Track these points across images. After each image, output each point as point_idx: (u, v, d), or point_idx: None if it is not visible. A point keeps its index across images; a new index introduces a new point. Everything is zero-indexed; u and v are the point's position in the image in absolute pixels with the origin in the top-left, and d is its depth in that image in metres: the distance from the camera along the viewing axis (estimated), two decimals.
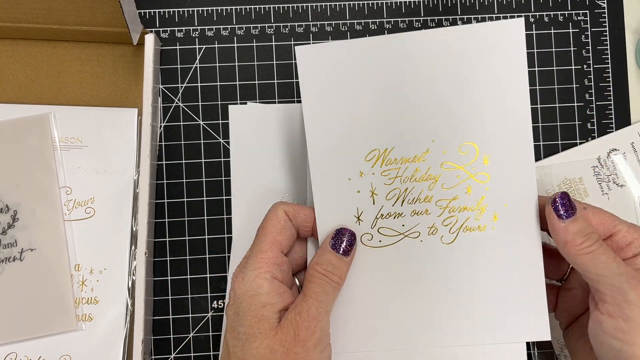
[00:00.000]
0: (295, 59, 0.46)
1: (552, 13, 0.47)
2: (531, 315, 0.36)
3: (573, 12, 0.47)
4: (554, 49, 0.47)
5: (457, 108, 0.35)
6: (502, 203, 0.36)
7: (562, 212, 0.33)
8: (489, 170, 0.36)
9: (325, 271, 0.34)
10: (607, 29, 0.47)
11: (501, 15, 0.47)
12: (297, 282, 0.38)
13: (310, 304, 0.33)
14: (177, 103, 0.45)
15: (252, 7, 0.46)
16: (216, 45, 0.46)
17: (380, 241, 0.37)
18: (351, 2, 0.46)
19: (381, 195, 0.36)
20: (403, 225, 0.36)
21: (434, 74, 0.35)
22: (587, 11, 0.47)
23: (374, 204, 0.36)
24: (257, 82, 0.46)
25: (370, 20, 0.46)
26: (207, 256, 0.45)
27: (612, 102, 0.47)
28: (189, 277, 0.44)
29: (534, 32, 0.47)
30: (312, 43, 0.46)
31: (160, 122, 0.45)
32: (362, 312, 0.37)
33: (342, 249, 0.35)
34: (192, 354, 0.44)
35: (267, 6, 0.46)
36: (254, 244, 0.35)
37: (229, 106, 0.45)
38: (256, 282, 0.33)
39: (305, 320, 0.32)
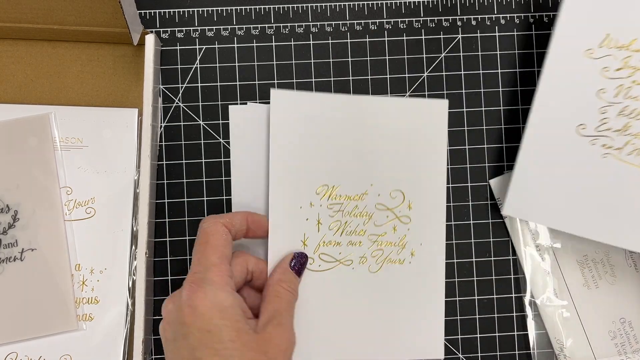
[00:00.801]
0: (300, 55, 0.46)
1: (551, 13, 0.47)
2: (430, 336, 0.43)
3: None
4: None
5: (393, 161, 0.43)
6: (419, 242, 0.43)
7: None
8: (411, 214, 0.43)
9: (290, 288, 0.39)
10: None
11: (500, 15, 0.47)
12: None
13: (285, 317, 0.36)
14: (177, 103, 0.45)
15: (252, 7, 0.46)
16: (216, 46, 0.46)
17: (319, 265, 0.42)
18: (351, 3, 0.47)
19: (325, 224, 0.42)
20: (340, 253, 0.43)
21: (379, 132, 0.43)
22: None
23: (318, 231, 0.42)
24: (257, 82, 0.46)
25: (370, 21, 0.46)
26: None
27: None
28: None
29: (533, 32, 0.47)
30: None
31: (161, 123, 0.45)
32: (308, 326, 0.42)
33: (298, 270, 0.40)
34: None
35: (267, 6, 0.46)
36: (201, 260, 0.35)
37: (229, 106, 0.45)
38: (220, 296, 0.33)
39: (286, 332, 0.36)
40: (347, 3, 0.47)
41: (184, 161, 0.45)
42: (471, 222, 0.46)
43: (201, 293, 0.33)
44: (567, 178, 0.38)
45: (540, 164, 0.39)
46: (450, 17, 0.47)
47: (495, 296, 0.45)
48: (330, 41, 0.46)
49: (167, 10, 0.46)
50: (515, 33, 0.47)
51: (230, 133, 0.45)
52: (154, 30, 0.45)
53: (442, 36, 0.47)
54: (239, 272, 0.38)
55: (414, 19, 0.47)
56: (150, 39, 0.43)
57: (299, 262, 0.41)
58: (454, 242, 0.45)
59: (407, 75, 0.46)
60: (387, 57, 0.46)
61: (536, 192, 0.40)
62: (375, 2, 0.47)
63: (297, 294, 0.40)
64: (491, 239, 0.46)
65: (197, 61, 0.46)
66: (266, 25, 0.46)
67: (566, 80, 0.37)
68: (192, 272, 0.35)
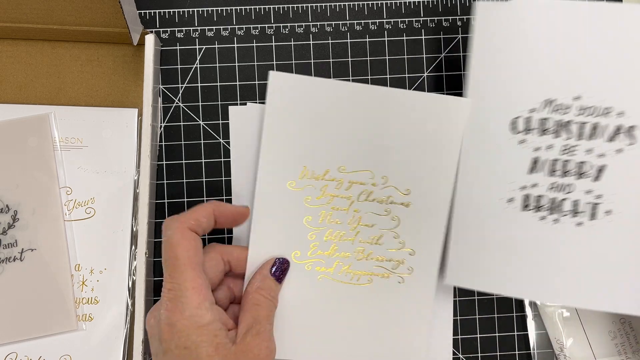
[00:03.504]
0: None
1: None
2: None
3: None
4: None
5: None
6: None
7: None
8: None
9: (270, 296, 0.38)
10: None
11: None
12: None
13: (264, 326, 0.36)
14: (177, 103, 0.45)
15: (252, 7, 0.46)
16: (216, 46, 0.46)
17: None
18: (351, 3, 0.47)
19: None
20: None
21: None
22: None
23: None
24: (257, 82, 0.46)
25: (370, 21, 0.46)
26: None
27: None
28: None
29: None
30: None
31: (161, 122, 0.45)
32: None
33: (279, 276, 0.39)
34: None
35: (267, 7, 0.46)
36: (174, 275, 0.34)
37: (229, 107, 0.45)
38: (198, 313, 0.33)
39: (265, 341, 0.35)
40: (347, 3, 0.47)
41: (184, 161, 0.45)
42: None
43: (178, 312, 0.33)
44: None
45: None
46: (450, 17, 0.47)
47: (495, 296, 0.45)
48: (330, 41, 0.46)
49: (167, 10, 0.46)
50: None
51: (230, 133, 0.45)
52: (153, 30, 0.45)
53: (442, 36, 0.47)
54: (214, 268, 0.37)
55: (414, 19, 0.47)
56: (150, 39, 0.43)
57: (280, 269, 0.39)
58: None
59: (407, 75, 0.46)
60: (387, 57, 0.46)
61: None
62: (375, 2, 0.47)
63: (277, 301, 0.38)
64: None
65: (197, 61, 0.46)
66: (266, 25, 0.46)
67: (276, 209, 0.40)
68: (167, 289, 0.34)
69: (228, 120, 0.45)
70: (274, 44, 0.46)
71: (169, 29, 0.46)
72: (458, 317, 0.45)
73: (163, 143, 0.45)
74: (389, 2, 0.47)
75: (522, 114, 0.37)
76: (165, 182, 0.45)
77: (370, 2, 0.47)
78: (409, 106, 0.40)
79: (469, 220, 0.39)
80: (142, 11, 0.46)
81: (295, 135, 0.40)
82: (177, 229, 0.35)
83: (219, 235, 0.45)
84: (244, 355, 0.33)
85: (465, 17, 0.47)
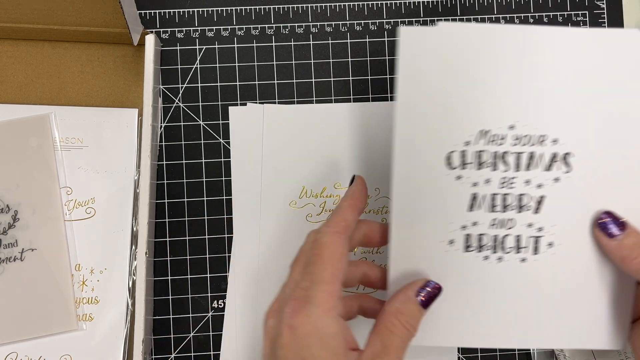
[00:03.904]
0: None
1: (551, 13, 0.47)
2: None
3: (572, 12, 0.47)
4: None
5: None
6: None
7: (611, 231, 0.33)
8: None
9: (409, 325, 0.31)
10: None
11: (500, 16, 0.47)
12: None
13: (392, 358, 0.30)
14: (177, 103, 0.46)
15: (252, 7, 0.46)
16: (216, 46, 0.46)
17: None
18: (351, 3, 0.47)
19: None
20: None
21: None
22: (587, 11, 0.48)
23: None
24: (257, 82, 0.46)
25: (370, 21, 0.46)
26: (207, 256, 0.45)
27: None
28: (189, 277, 0.45)
29: None
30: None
31: (161, 123, 0.45)
32: None
33: (425, 301, 0.33)
34: (192, 354, 0.44)
35: (267, 7, 0.46)
36: (312, 273, 0.30)
37: (229, 108, 0.45)
38: (324, 321, 0.29)
39: None
40: (347, 3, 0.47)
41: (184, 161, 0.45)
42: None
43: (304, 314, 0.29)
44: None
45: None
46: (450, 17, 0.47)
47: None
48: (330, 41, 0.46)
49: (167, 11, 0.46)
50: None
51: (231, 133, 0.45)
52: (154, 30, 0.46)
53: None
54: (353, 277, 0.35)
55: (414, 19, 0.47)
56: (150, 39, 0.43)
57: (428, 294, 0.33)
58: None
59: None
60: (387, 57, 0.46)
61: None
62: (375, 2, 0.47)
63: (415, 331, 0.32)
64: None
65: (197, 61, 0.46)
66: (266, 26, 0.46)
67: (278, 229, 0.44)
68: (299, 287, 0.30)
69: (228, 120, 0.45)
70: (274, 44, 0.46)
71: (169, 29, 0.46)
72: None
73: (163, 143, 0.45)
74: (389, 2, 0.47)
75: (457, 148, 0.34)
76: (165, 182, 0.45)
77: (370, 2, 0.47)
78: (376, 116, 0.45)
79: (407, 269, 0.35)
80: (142, 11, 0.46)
81: (291, 160, 0.44)
82: (328, 233, 0.32)
83: (220, 235, 0.45)
84: None
85: (465, 17, 0.47)
